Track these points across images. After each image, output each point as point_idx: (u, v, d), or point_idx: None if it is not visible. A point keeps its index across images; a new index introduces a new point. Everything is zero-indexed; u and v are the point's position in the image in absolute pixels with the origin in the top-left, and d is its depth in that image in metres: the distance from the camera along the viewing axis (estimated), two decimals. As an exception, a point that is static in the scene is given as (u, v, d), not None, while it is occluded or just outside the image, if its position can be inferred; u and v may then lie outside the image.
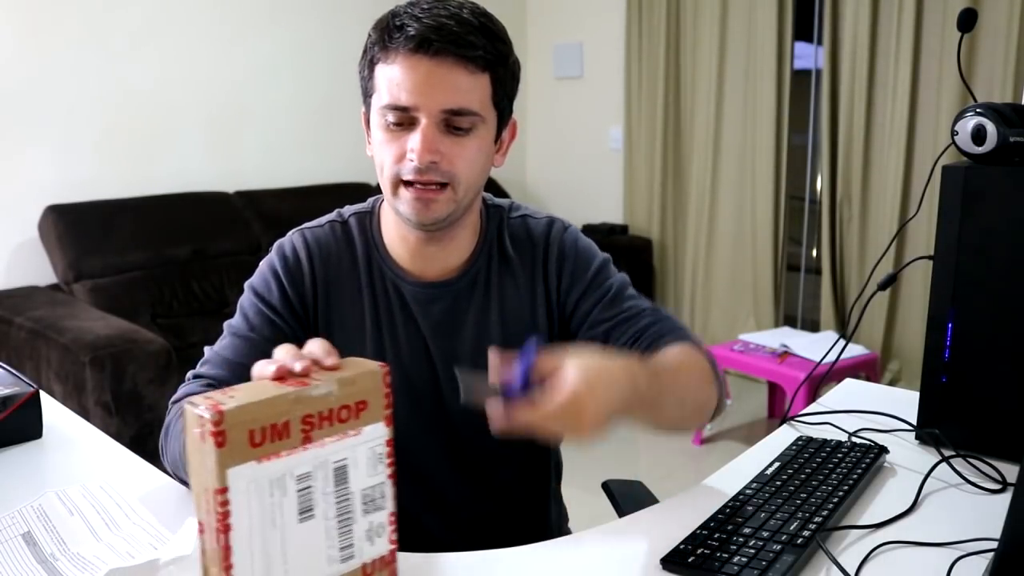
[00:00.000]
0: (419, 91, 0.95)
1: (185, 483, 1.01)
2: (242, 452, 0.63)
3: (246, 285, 1.12)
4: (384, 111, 0.98)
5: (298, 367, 0.70)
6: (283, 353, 0.73)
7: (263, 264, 1.12)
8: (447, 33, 0.94)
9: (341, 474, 0.70)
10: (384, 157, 1.00)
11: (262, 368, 0.72)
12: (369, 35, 1.00)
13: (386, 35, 0.97)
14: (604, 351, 0.85)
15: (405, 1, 1.00)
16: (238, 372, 1.04)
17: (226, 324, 1.11)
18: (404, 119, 0.97)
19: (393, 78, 0.96)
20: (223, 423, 0.61)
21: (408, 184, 0.99)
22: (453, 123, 0.97)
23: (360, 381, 0.70)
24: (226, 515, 0.63)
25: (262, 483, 0.65)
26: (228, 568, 0.64)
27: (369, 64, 1.00)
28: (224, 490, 0.62)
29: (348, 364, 0.72)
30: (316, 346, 0.74)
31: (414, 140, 0.97)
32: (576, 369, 0.78)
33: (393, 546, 0.75)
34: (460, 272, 1.11)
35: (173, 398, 1.05)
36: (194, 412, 0.62)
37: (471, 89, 0.97)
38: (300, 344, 1.06)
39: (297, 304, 1.09)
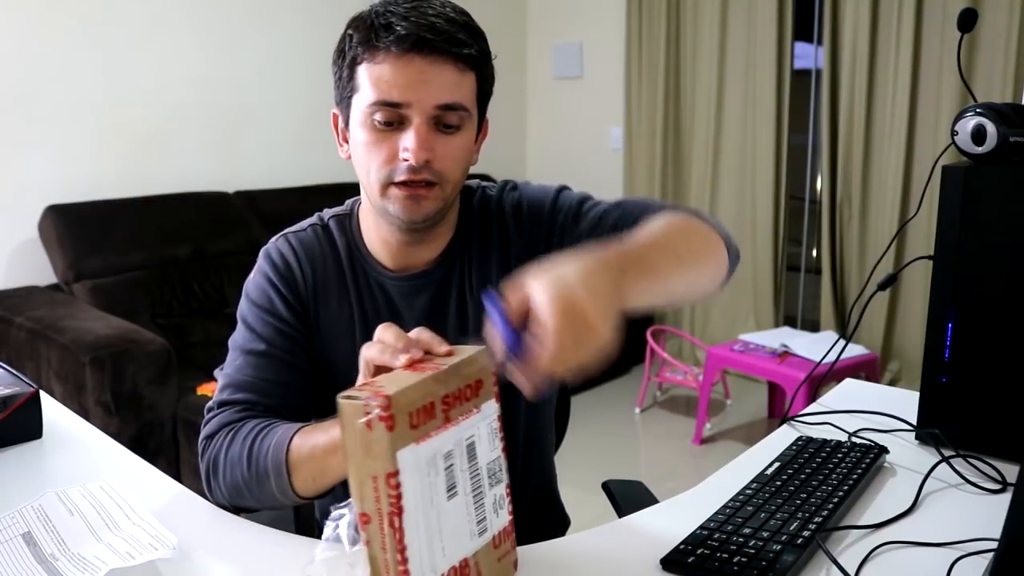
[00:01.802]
0: (412, 88, 0.95)
1: (245, 510, 1.02)
2: (405, 435, 0.65)
3: (243, 297, 1.11)
4: (372, 109, 0.97)
5: (417, 355, 0.73)
6: (392, 336, 0.76)
7: (255, 274, 1.12)
8: (440, 32, 0.94)
9: (472, 450, 0.72)
10: (371, 158, 0.99)
11: (379, 354, 0.75)
12: (347, 35, 0.99)
13: (372, 34, 0.96)
14: (554, 260, 0.75)
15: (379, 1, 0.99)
16: (265, 390, 1.04)
17: (232, 343, 1.09)
18: (394, 117, 0.96)
19: (382, 76, 0.96)
20: (391, 407, 0.63)
21: (398, 184, 0.99)
22: (444, 120, 0.98)
23: (475, 362, 0.73)
24: (399, 497, 0.65)
25: (421, 464, 0.67)
26: (403, 550, 0.65)
27: (350, 64, 0.99)
28: (396, 472, 0.64)
29: (456, 350, 0.75)
30: (426, 334, 0.75)
31: (408, 139, 0.96)
32: (542, 287, 0.71)
33: (511, 516, 0.78)
34: (439, 260, 1.11)
35: (206, 433, 1.03)
36: (356, 403, 0.64)
37: (461, 85, 0.98)
38: (307, 345, 1.09)
39: (297, 307, 1.09)
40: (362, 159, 1.01)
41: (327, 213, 1.16)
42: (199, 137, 3.45)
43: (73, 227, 2.92)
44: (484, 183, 1.18)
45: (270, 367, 1.05)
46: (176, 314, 3.05)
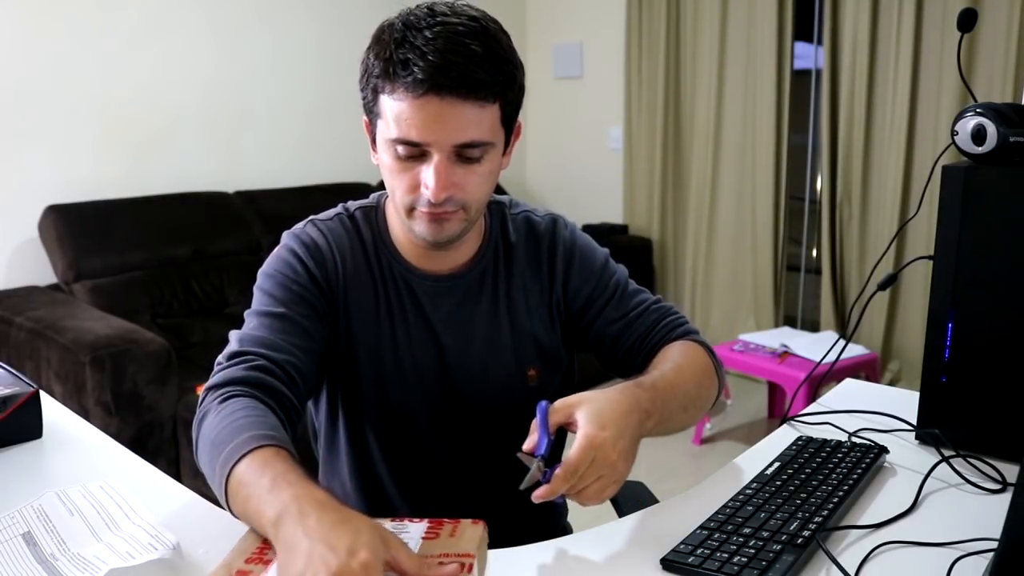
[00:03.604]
0: (430, 129, 0.94)
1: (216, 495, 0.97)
2: None
3: (261, 273, 1.08)
4: (393, 143, 0.97)
5: None
6: None
7: (280, 251, 1.10)
8: (455, 75, 0.91)
9: None
10: (395, 185, 1.01)
11: None
12: (369, 59, 0.97)
13: (390, 68, 0.93)
14: (603, 391, 0.91)
15: (405, 8, 0.97)
16: (277, 346, 0.99)
17: (247, 313, 1.06)
18: (415, 152, 0.97)
19: (401, 114, 0.94)
20: None
21: (422, 210, 1.00)
22: (465, 154, 0.97)
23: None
24: None
25: None
26: None
27: (373, 90, 0.98)
28: None
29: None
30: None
31: (428, 175, 0.96)
32: (586, 416, 0.86)
33: (420, 519, 0.84)
34: (468, 267, 1.13)
35: (211, 383, 0.96)
36: None
37: (481, 121, 0.96)
38: (329, 323, 1.08)
39: (324, 284, 1.08)
40: (388, 179, 1.02)
41: (353, 205, 1.16)
42: (199, 137, 3.44)
43: (73, 227, 2.92)
44: (527, 206, 1.20)
45: (284, 327, 1.02)
46: (176, 314, 3.05)
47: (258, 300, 1.06)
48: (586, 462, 0.83)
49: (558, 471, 0.83)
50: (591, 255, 1.19)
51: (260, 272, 1.09)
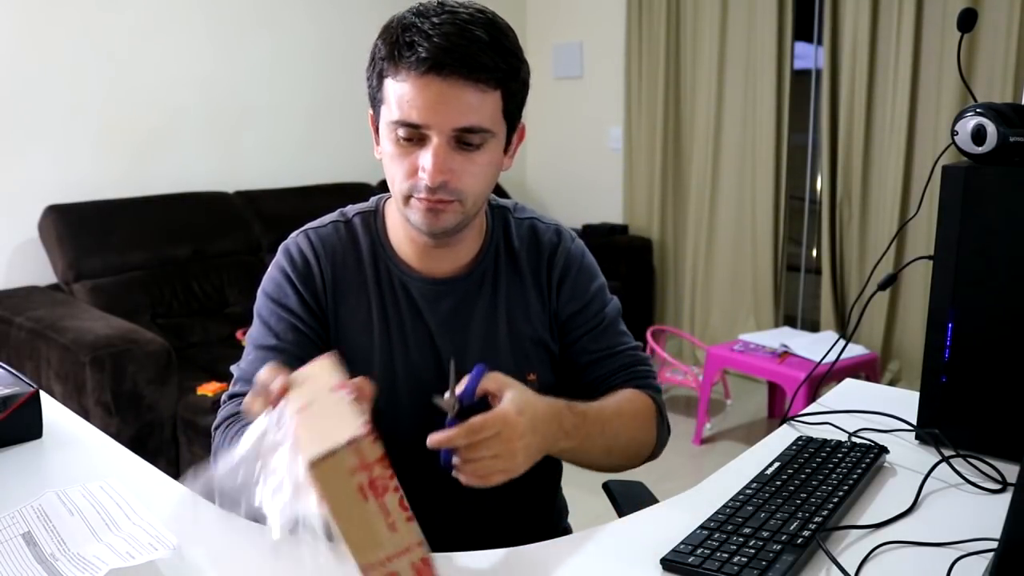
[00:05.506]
0: (430, 110, 0.95)
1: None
2: None
3: (260, 292, 1.13)
4: (394, 126, 0.98)
5: None
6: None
7: (272, 269, 1.13)
8: (459, 55, 0.93)
9: None
10: (394, 171, 1.01)
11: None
12: (376, 45, 1.00)
13: (396, 51, 0.96)
14: (538, 395, 0.96)
15: (412, 3, 0.99)
16: None
17: (248, 337, 1.12)
18: (414, 135, 0.98)
19: (403, 95, 0.96)
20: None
21: (419, 197, 1.01)
22: (464, 139, 0.98)
23: None
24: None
25: None
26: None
27: (378, 75, 1.00)
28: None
29: None
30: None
31: (425, 159, 0.97)
32: (511, 397, 0.90)
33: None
34: (468, 269, 1.13)
35: (214, 424, 1.08)
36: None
37: (482, 107, 0.97)
38: (321, 342, 1.10)
39: (313, 304, 1.11)
40: (388, 168, 1.03)
41: (351, 210, 1.17)
42: (199, 137, 3.45)
43: (73, 227, 2.92)
44: (533, 212, 1.20)
45: (278, 361, 1.06)
46: (176, 314, 3.05)
47: (255, 329, 1.12)
48: (491, 429, 0.86)
49: (463, 424, 0.86)
50: (589, 276, 1.19)
51: (259, 290, 1.14)
